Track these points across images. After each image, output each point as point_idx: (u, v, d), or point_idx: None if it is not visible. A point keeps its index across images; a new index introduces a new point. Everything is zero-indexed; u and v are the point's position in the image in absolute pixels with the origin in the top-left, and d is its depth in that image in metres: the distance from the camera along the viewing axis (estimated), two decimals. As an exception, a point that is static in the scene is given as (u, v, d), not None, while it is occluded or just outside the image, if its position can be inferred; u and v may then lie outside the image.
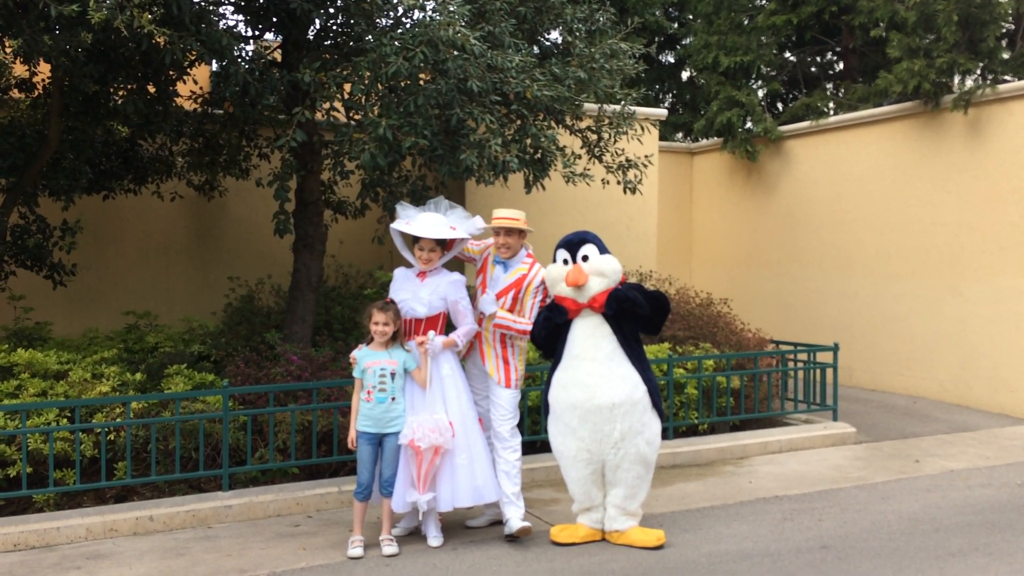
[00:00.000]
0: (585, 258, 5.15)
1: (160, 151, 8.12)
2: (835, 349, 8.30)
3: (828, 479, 6.71)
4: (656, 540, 5.11)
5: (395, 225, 5.25)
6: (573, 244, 5.22)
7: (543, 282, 5.36)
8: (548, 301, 5.33)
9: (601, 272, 5.11)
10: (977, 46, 9.61)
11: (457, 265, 7.58)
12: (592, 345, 5.11)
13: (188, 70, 7.03)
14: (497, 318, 5.29)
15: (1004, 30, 9.93)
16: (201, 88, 7.92)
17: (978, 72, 10.16)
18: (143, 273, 9.24)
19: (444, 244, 5.31)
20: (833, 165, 11.23)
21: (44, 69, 7.05)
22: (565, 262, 5.20)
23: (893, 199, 10.44)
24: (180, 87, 7.23)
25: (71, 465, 5.71)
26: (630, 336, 5.18)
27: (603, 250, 5.21)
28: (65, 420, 5.79)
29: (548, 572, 4.78)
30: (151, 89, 6.97)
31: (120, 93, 7.03)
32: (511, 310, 5.35)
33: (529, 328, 5.32)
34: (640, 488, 5.18)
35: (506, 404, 5.34)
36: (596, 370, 5.07)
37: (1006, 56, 10.26)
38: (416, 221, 5.21)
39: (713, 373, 7.71)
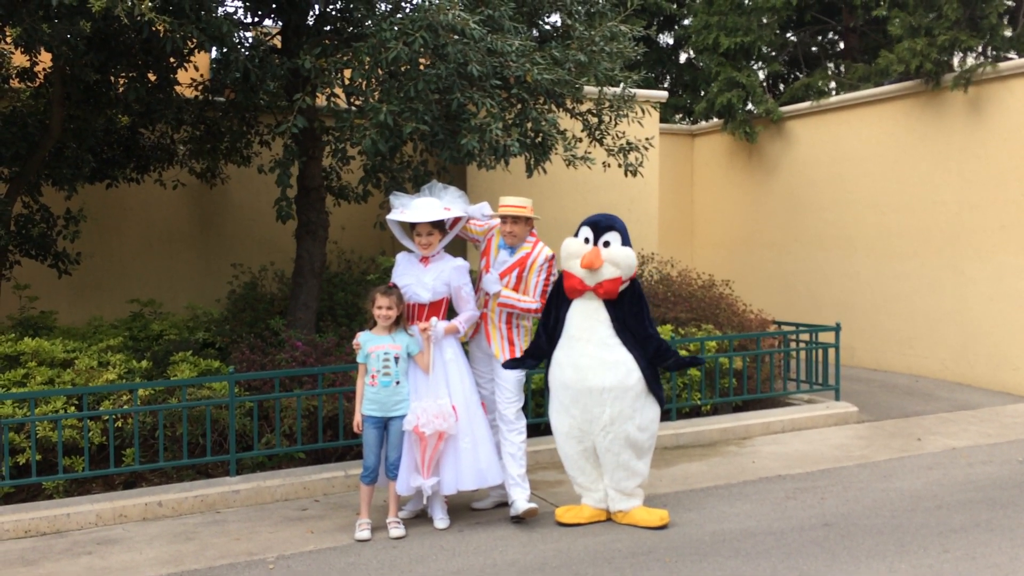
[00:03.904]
0: (607, 244, 5.13)
1: (161, 139, 8.14)
2: (837, 329, 8.33)
3: (830, 458, 6.75)
4: (659, 520, 5.15)
5: (390, 216, 5.27)
6: (599, 226, 5.15)
7: (547, 260, 5.37)
8: (553, 279, 5.35)
9: (616, 262, 5.07)
10: (978, 24, 9.58)
11: (459, 248, 7.60)
12: (587, 328, 5.13)
13: (188, 58, 7.04)
14: (502, 297, 5.32)
15: (1005, 7, 9.89)
16: (202, 75, 7.93)
17: (979, 50, 10.13)
18: (147, 261, 9.28)
19: (443, 227, 5.33)
20: (834, 145, 11.22)
21: (45, 58, 7.06)
22: (587, 240, 5.17)
23: (894, 178, 10.44)
24: (180, 75, 7.24)
25: (80, 452, 5.76)
26: (629, 321, 5.18)
27: (626, 241, 5.15)
28: (73, 408, 5.84)
29: (554, 552, 4.83)
30: (152, 77, 6.97)
31: (121, 81, 7.04)
32: (515, 289, 5.37)
33: (533, 307, 5.35)
34: (632, 471, 5.19)
35: (511, 386, 5.37)
36: (589, 352, 5.10)
37: (1008, 34, 10.22)
38: (410, 208, 5.23)
39: (716, 354, 7.74)
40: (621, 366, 5.09)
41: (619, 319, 5.15)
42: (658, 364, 5.23)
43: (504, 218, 5.35)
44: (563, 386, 5.18)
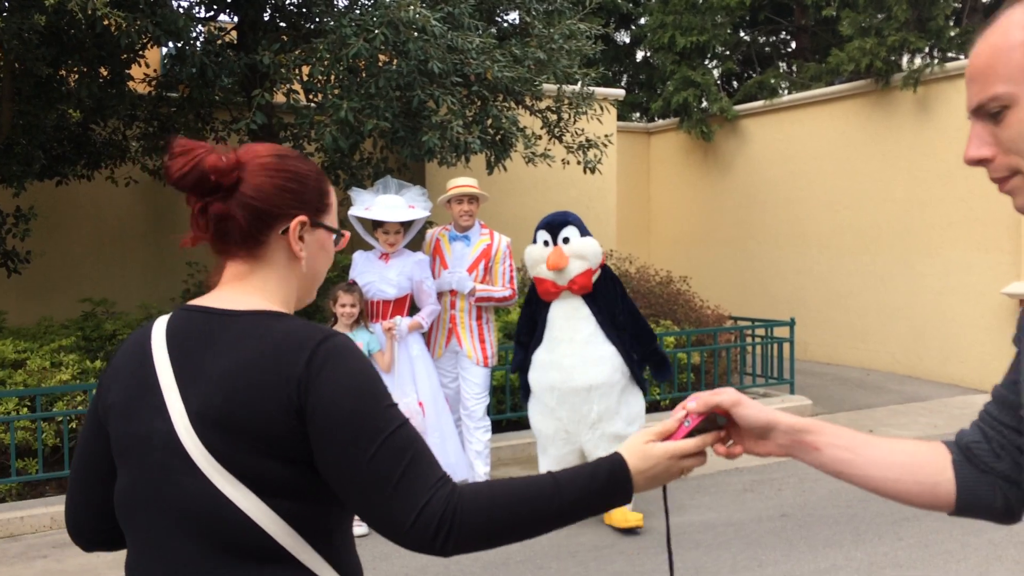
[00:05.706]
0: (566, 240, 5.11)
1: (113, 135, 7.99)
2: (791, 324, 8.48)
3: (787, 450, 6.87)
4: (627, 523, 5.05)
5: (353, 211, 5.25)
6: (554, 226, 5.13)
7: (508, 247, 5.50)
8: (514, 266, 5.47)
9: (582, 255, 5.04)
10: (926, 24, 9.81)
11: (415, 243, 7.57)
12: (571, 327, 5.10)
13: (141, 52, 6.92)
14: (478, 293, 5.38)
15: (952, 9, 10.15)
16: (155, 71, 7.80)
17: (927, 50, 10.38)
18: (99, 260, 9.10)
19: (406, 225, 5.35)
20: (787, 143, 11.41)
21: (-7, 52, 6.88)
22: (545, 243, 5.14)
23: (845, 176, 10.65)
24: (134, 70, 7.11)
25: (33, 454, 5.65)
26: (611, 316, 5.19)
27: (584, 232, 5.14)
28: (25, 409, 5.71)
29: (518, 547, 4.85)
30: (104, 72, 6.85)
31: (72, 77, 6.90)
32: (483, 282, 5.47)
33: (508, 294, 5.46)
34: None
35: (480, 382, 5.44)
36: (574, 352, 5.05)
37: (954, 34, 10.49)
38: (376, 205, 5.22)
39: (674, 349, 7.83)
40: (606, 363, 5.03)
41: (600, 311, 5.14)
42: (641, 348, 5.21)
43: (460, 198, 5.43)
44: (548, 388, 5.11)
